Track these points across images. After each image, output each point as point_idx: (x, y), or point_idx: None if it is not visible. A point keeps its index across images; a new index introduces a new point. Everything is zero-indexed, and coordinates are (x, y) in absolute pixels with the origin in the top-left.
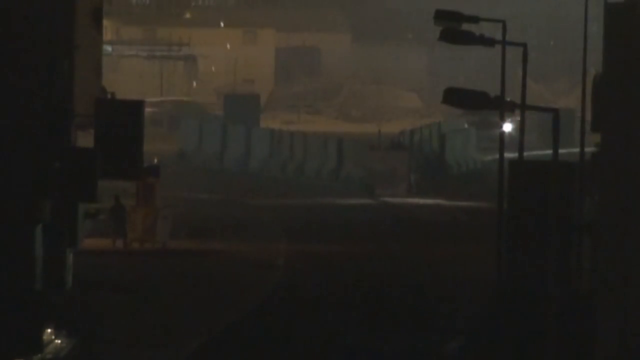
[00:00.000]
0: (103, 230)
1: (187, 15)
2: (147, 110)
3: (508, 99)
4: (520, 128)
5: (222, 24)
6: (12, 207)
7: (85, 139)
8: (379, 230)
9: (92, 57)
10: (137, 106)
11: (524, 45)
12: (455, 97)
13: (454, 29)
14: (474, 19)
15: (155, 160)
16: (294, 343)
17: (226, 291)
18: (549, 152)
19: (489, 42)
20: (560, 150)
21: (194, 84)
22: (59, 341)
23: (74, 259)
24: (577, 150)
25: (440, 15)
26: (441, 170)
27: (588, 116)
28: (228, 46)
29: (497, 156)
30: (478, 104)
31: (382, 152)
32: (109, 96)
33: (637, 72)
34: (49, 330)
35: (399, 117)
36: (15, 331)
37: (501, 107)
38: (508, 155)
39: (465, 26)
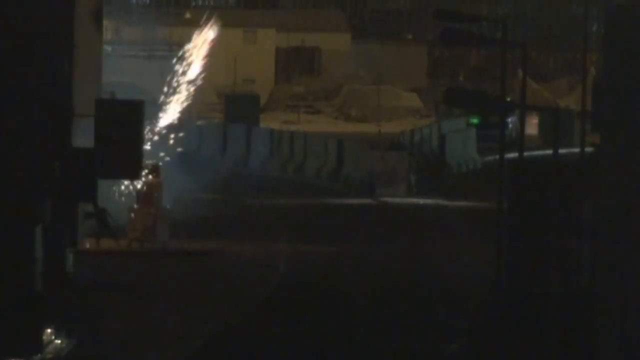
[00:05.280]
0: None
1: (187, 15)
2: None
3: (508, 99)
4: (521, 128)
5: (222, 24)
6: (12, 207)
7: (85, 139)
8: (379, 230)
9: (92, 57)
10: (137, 106)
11: (524, 45)
12: (455, 97)
13: (454, 28)
14: (475, 19)
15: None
16: (294, 343)
17: (226, 291)
18: (549, 152)
19: (489, 42)
20: (561, 150)
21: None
22: (59, 341)
23: (74, 259)
24: (577, 150)
25: (441, 15)
26: (441, 170)
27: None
28: (228, 46)
29: (497, 156)
30: (478, 104)
31: (382, 152)
32: (109, 96)
33: (637, 72)
34: (49, 330)
35: (399, 117)
36: (15, 331)
37: (501, 107)
38: (508, 155)
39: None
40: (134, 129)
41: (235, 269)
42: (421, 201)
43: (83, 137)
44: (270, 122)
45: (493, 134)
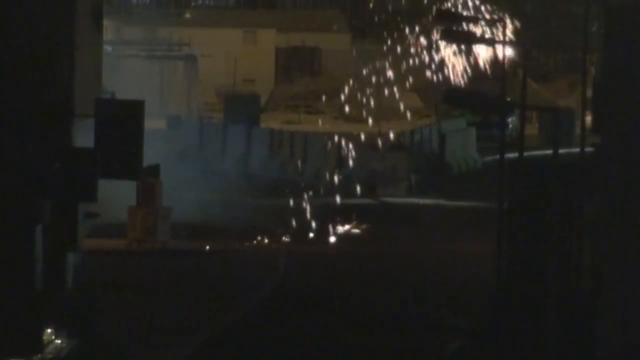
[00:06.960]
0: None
1: (187, 15)
2: None
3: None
4: (521, 128)
5: (222, 24)
6: (12, 207)
7: (85, 139)
8: (379, 231)
9: (92, 57)
10: (137, 106)
11: (524, 45)
12: (456, 97)
13: (454, 29)
14: (475, 19)
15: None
16: (294, 343)
17: (226, 291)
18: (550, 152)
19: (488, 42)
20: (561, 150)
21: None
22: (59, 341)
23: (73, 259)
24: (577, 150)
25: (441, 15)
26: (441, 170)
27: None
28: (228, 46)
29: (497, 156)
30: (478, 104)
31: (382, 152)
32: (109, 96)
33: (637, 72)
34: (49, 330)
35: (399, 117)
36: (15, 331)
37: (501, 107)
38: (508, 155)
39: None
40: (134, 129)
41: (235, 269)
42: (421, 201)
43: (83, 137)
44: (270, 122)
45: (493, 133)
